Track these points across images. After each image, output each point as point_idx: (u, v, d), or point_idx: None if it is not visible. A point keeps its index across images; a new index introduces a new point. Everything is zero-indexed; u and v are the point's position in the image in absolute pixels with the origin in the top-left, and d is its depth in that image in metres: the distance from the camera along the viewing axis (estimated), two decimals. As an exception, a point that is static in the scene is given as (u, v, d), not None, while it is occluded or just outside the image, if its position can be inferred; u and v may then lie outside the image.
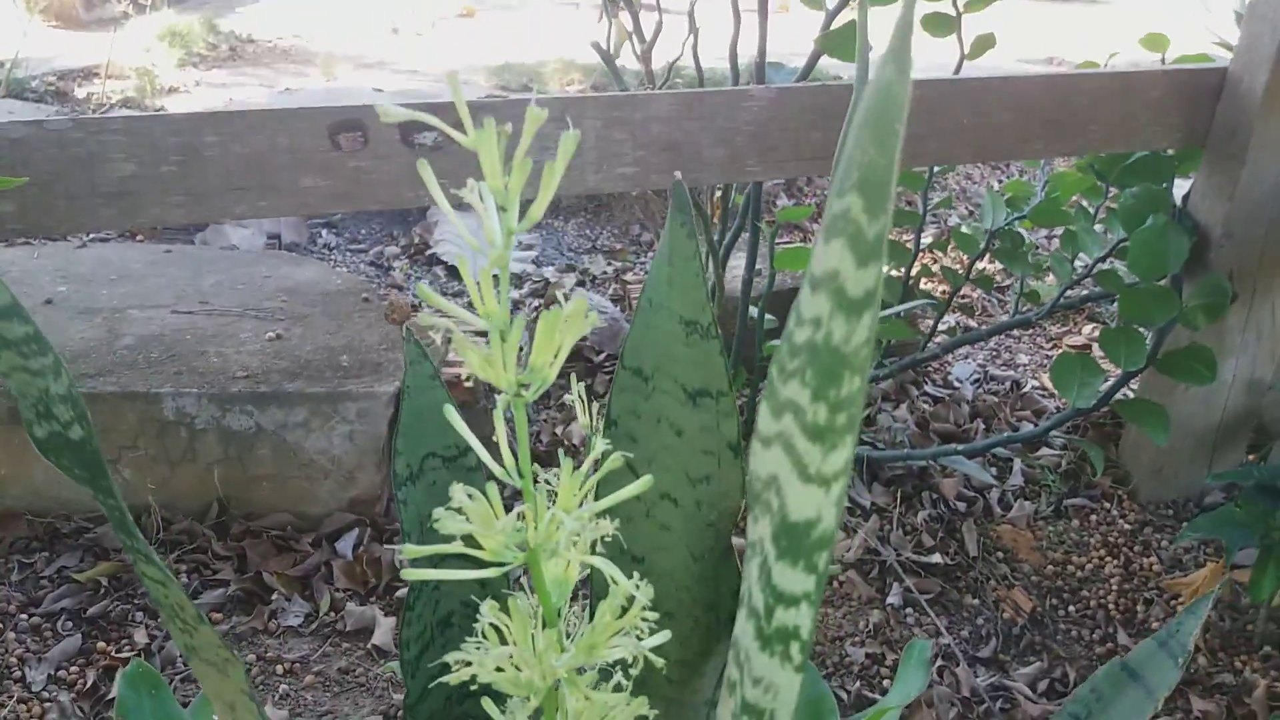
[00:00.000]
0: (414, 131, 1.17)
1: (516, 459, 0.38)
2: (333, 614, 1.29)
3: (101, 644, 1.20)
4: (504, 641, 0.39)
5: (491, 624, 0.39)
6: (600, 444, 0.41)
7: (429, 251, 2.14)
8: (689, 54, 1.45)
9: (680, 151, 1.23)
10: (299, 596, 1.30)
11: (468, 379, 0.38)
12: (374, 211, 2.24)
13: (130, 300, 1.62)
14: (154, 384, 1.36)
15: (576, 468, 0.39)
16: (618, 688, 0.42)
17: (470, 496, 0.37)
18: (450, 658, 0.38)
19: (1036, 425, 1.72)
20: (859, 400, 0.29)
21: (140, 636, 1.22)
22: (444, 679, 0.40)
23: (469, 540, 0.37)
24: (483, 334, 0.40)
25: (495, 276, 0.36)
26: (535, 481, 0.43)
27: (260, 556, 1.34)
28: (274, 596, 1.30)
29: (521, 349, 0.38)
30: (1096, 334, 2.03)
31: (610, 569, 0.37)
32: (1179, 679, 0.53)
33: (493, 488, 0.36)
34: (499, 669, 0.38)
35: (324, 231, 2.16)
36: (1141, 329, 1.44)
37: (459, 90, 0.41)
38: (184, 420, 1.36)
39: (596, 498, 0.49)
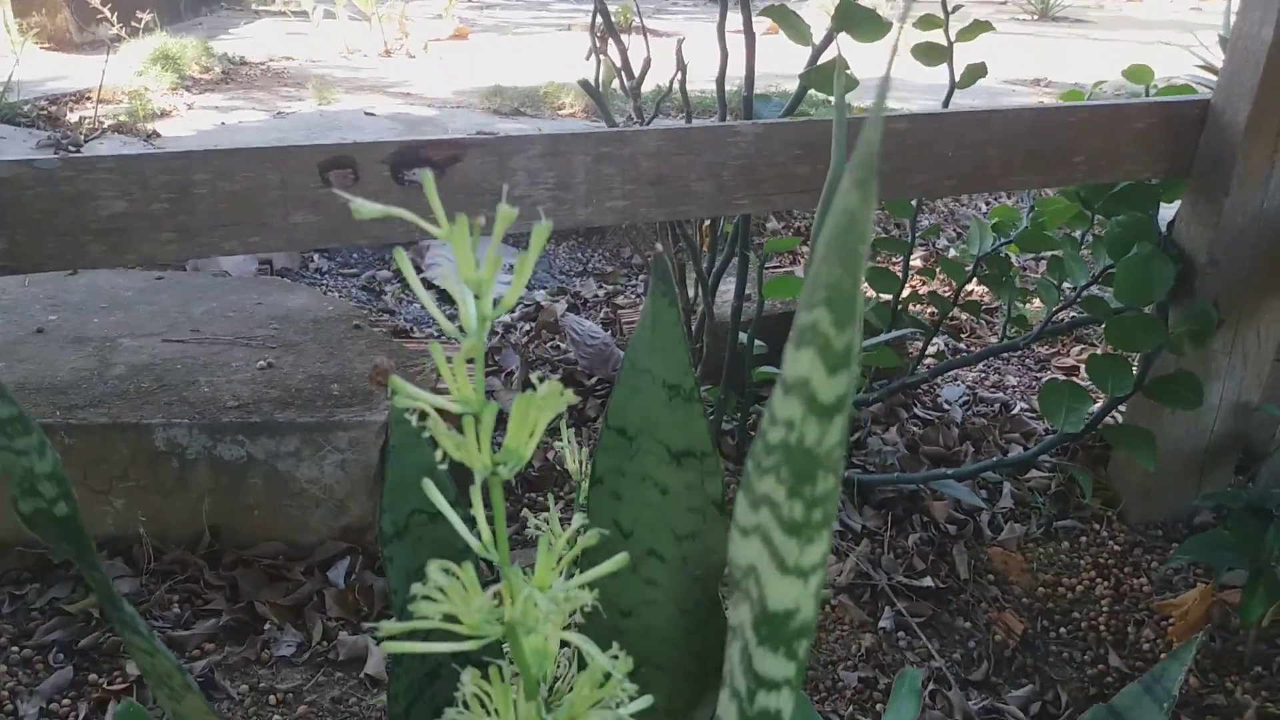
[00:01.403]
0: (404, 169, 1.18)
1: (495, 534, 0.39)
2: (325, 643, 1.29)
3: (93, 676, 1.20)
4: (485, 709, 0.39)
5: (474, 692, 0.40)
6: (578, 519, 0.41)
7: (420, 275, 2.15)
8: (677, 84, 1.47)
9: (669, 185, 1.25)
10: (291, 626, 1.30)
11: (443, 461, 0.39)
12: (366, 235, 2.25)
13: (121, 329, 1.63)
14: (145, 414, 1.37)
15: (554, 543, 0.40)
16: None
17: (447, 571, 0.38)
18: (433, 730, 0.39)
19: (1025, 448, 1.73)
20: (834, 497, 0.30)
21: (132, 668, 1.22)
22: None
23: (448, 616, 0.38)
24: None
25: (470, 361, 0.37)
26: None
27: (252, 586, 1.34)
28: (266, 626, 1.30)
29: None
30: (1085, 356, 2.04)
31: (586, 645, 0.37)
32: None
33: (468, 568, 0.37)
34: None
35: (315, 256, 2.17)
36: (1128, 355, 1.45)
37: (434, 191, 0.42)
38: (175, 450, 1.36)
39: (581, 561, 0.50)
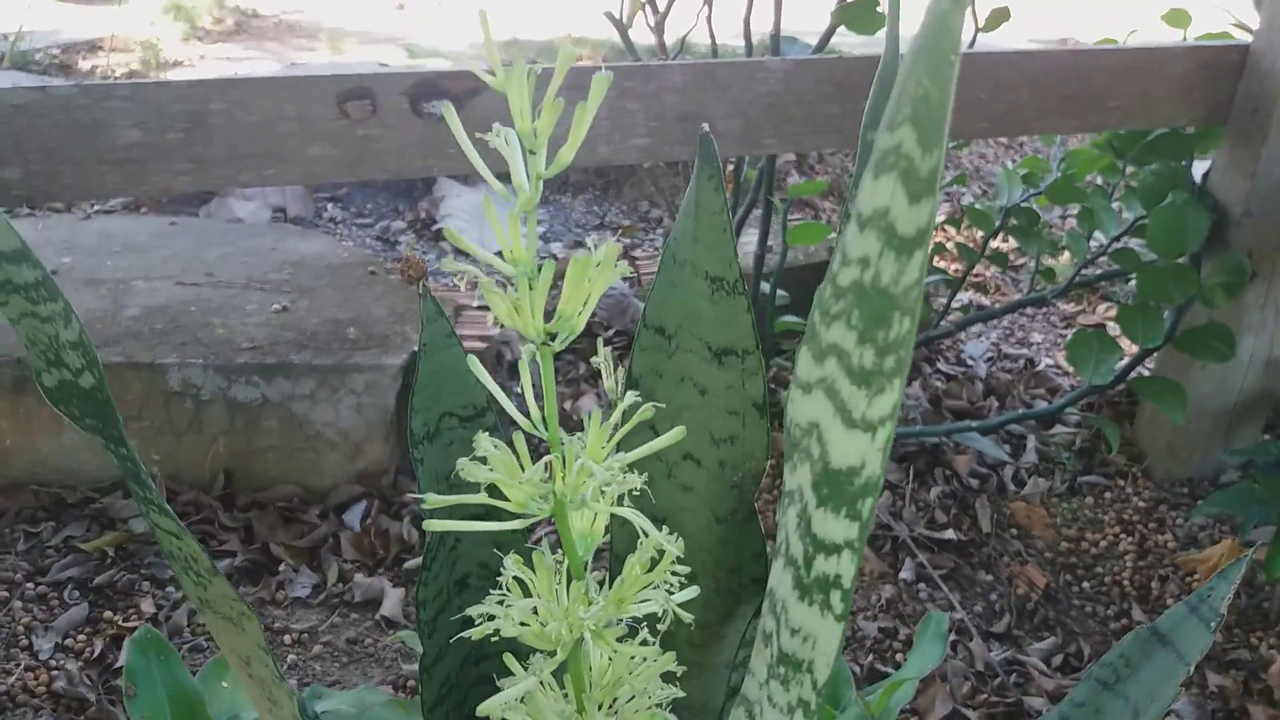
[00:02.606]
0: (424, 100, 1.15)
1: (543, 411, 0.37)
2: (341, 585, 1.28)
3: (108, 613, 1.20)
4: (528, 595, 0.37)
5: (515, 578, 0.38)
6: (630, 396, 0.39)
7: (435, 226, 2.13)
8: (703, 24, 1.43)
9: (694, 123, 1.22)
10: (306, 568, 1.30)
11: (494, 324, 0.37)
12: (380, 185, 2.22)
13: (135, 272, 1.61)
14: (159, 354, 1.35)
15: (604, 420, 0.38)
16: (643, 645, 0.41)
17: (495, 446, 0.36)
18: (472, 611, 0.37)
19: (1051, 403, 1.70)
20: (909, 343, 0.27)
21: (147, 606, 1.22)
22: (465, 634, 0.39)
23: (493, 492, 0.36)
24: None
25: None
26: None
27: (267, 528, 1.33)
28: (281, 567, 1.29)
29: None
30: (1112, 314, 2.01)
31: (641, 520, 0.36)
32: (1211, 643, 0.51)
33: (519, 437, 0.35)
34: (523, 624, 0.36)
35: (329, 205, 2.14)
36: (1159, 306, 1.42)
37: (488, 27, 0.40)
38: (189, 391, 1.35)
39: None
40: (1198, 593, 0.55)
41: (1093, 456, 1.58)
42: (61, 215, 1.92)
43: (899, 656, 1.23)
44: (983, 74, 1.28)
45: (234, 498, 1.37)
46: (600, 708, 0.39)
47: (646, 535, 0.35)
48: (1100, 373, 1.37)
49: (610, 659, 0.40)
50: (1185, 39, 1.52)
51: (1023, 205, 1.58)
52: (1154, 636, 0.56)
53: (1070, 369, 1.79)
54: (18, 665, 1.12)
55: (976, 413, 1.66)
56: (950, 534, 1.41)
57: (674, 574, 0.38)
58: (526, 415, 0.39)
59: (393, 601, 1.25)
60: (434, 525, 0.37)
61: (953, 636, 1.26)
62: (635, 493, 0.38)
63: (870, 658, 1.23)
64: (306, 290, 1.58)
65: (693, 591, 0.39)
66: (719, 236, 0.47)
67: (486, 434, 0.35)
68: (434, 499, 0.35)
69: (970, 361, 1.79)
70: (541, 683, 0.42)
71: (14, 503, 1.34)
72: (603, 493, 0.37)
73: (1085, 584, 1.38)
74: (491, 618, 0.39)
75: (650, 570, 0.37)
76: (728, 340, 0.49)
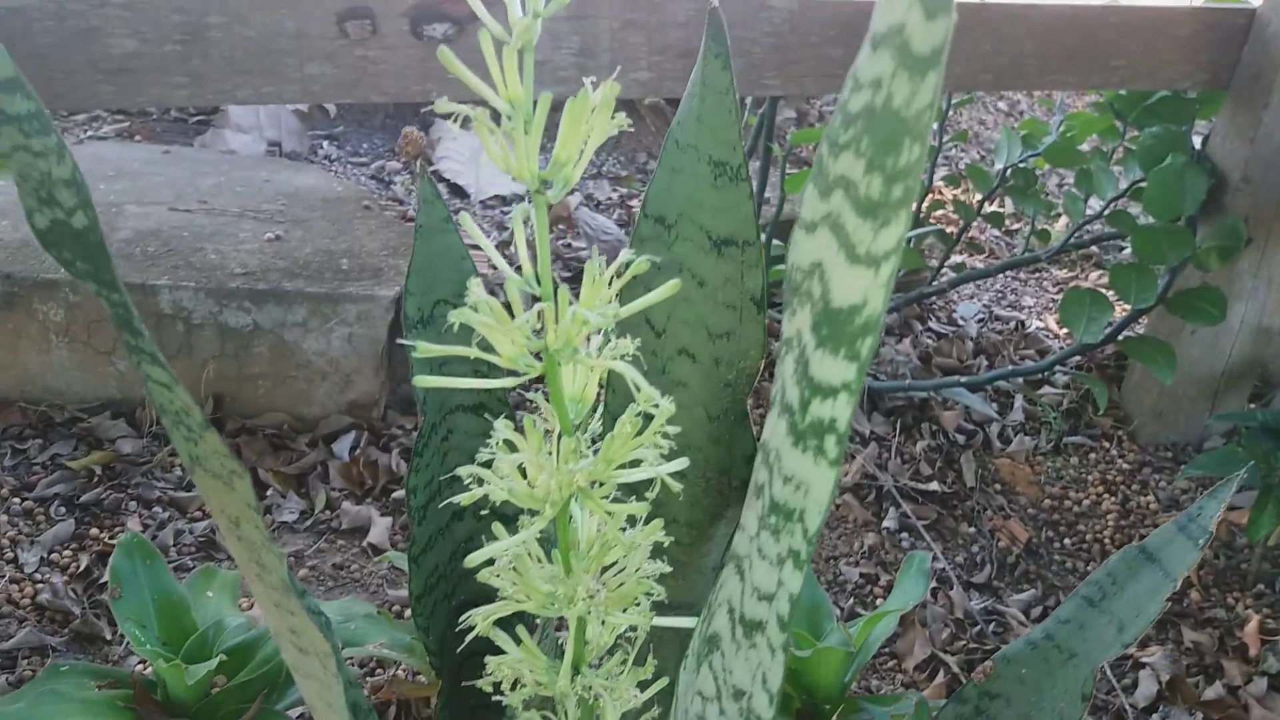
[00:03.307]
0: (424, 23, 1.14)
1: (536, 266, 0.37)
2: (328, 512, 1.28)
3: (95, 530, 1.20)
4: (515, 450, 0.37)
5: (506, 440, 0.38)
6: (626, 253, 0.39)
7: (431, 169, 2.11)
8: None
9: (697, 59, 1.20)
10: (294, 494, 1.30)
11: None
12: (376, 125, 2.20)
13: (127, 196, 1.59)
14: (151, 276, 1.34)
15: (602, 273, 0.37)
16: (631, 520, 0.41)
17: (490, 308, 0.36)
18: (462, 471, 0.37)
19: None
20: (917, 172, 0.27)
21: (134, 524, 1.22)
22: (454, 499, 0.39)
23: (484, 346, 0.36)
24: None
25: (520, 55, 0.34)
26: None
27: (255, 454, 1.33)
28: (269, 493, 1.29)
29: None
30: (1104, 281, 2.02)
31: (633, 373, 0.35)
32: (1198, 559, 0.52)
33: (511, 283, 0.35)
34: (510, 490, 0.36)
35: (325, 143, 2.12)
36: (1153, 269, 1.42)
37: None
38: (180, 314, 1.34)
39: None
40: (1187, 512, 0.55)
41: (1079, 418, 1.59)
42: (55, 109, 1.89)
43: (879, 601, 1.24)
44: (987, 25, 1.27)
45: (223, 423, 1.37)
46: (588, 573, 0.39)
47: (639, 390, 0.35)
48: (1091, 330, 1.38)
49: (599, 529, 0.40)
50: (1192, 1, 1.51)
51: (1021, 165, 1.58)
52: (1142, 555, 0.56)
53: (1060, 333, 1.80)
54: (2, 577, 1.12)
55: (966, 371, 1.66)
56: (935, 486, 1.42)
57: (665, 436, 0.38)
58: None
59: (380, 530, 1.25)
60: (423, 382, 0.37)
61: (933, 584, 1.28)
62: (627, 358, 0.38)
63: (851, 601, 1.24)
64: (300, 221, 1.57)
65: (683, 463, 0.39)
66: (724, 118, 0.47)
67: (477, 279, 0.34)
68: (426, 347, 0.35)
69: (962, 321, 1.80)
70: (529, 554, 0.42)
71: (1, 420, 1.33)
72: (593, 355, 0.37)
73: (1067, 540, 1.39)
74: (482, 482, 0.39)
75: (641, 433, 0.37)
76: (729, 229, 0.49)
